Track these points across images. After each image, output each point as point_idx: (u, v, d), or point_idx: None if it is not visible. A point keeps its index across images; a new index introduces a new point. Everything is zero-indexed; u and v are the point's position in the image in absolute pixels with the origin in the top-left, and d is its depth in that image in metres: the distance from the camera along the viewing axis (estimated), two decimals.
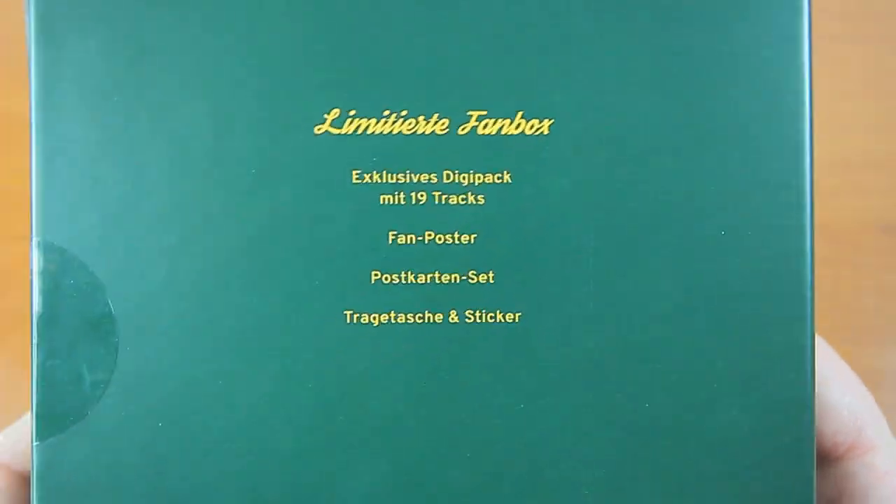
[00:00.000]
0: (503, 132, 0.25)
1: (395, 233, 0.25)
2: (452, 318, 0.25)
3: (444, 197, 0.25)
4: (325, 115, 0.24)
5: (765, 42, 0.25)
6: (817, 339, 0.27)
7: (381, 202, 0.25)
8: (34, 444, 0.24)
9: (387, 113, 0.25)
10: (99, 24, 0.24)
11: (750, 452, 0.25)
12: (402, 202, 0.25)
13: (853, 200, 0.51)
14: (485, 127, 0.25)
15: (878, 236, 0.51)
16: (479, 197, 0.25)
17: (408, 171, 0.25)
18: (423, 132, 0.25)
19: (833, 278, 0.50)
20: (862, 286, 0.50)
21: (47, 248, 0.24)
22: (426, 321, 0.25)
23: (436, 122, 0.25)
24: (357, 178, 0.25)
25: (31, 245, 0.24)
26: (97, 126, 0.24)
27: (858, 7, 0.53)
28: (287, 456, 0.25)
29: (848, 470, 0.28)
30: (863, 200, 0.51)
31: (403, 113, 0.25)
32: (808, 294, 0.25)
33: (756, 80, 0.25)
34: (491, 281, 0.25)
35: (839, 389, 0.28)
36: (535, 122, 0.25)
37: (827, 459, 0.28)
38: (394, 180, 0.25)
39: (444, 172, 0.25)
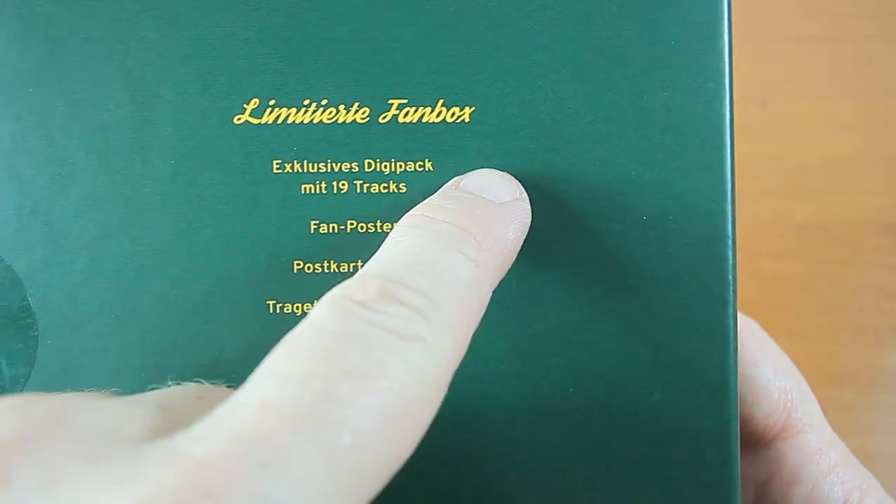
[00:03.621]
0: (424, 120, 0.23)
1: (317, 222, 0.24)
2: None
3: (365, 185, 0.24)
4: (245, 105, 0.23)
5: (686, 29, 0.23)
6: (750, 322, 0.26)
7: (303, 191, 0.24)
8: None
9: (307, 102, 0.23)
10: (11, 14, 0.23)
11: (674, 435, 0.24)
12: (324, 191, 0.24)
13: (853, 200, 0.48)
14: (405, 115, 0.24)
15: (878, 236, 0.48)
16: (400, 185, 0.24)
17: (329, 161, 0.24)
18: (344, 121, 0.23)
19: (833, 278, 0.48)
20: (862, 286, 0.48)
21: None
22: None
23: (356, 111, 0.23)
24: (278, 168, 0.23)
25: None
26: (12, 118, 0.23)
27: (858, 7, 0.50)
28: None
29: (779, 451, 0.26)
30: (863, 200, 0.48)
31: (324, 102, 0.23)
32: (730, 277, 0.23)
33: (677, 66, 0.23)
34: None
35: (771, 371, 0.26)
36: (456, 109, 0.23)
37: (759, 442, 0.27)
38: (315, 170, 0.24)
39: (366, 161, 0.24)
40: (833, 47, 0.50)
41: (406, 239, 0.19)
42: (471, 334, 0.19)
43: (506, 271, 0.21)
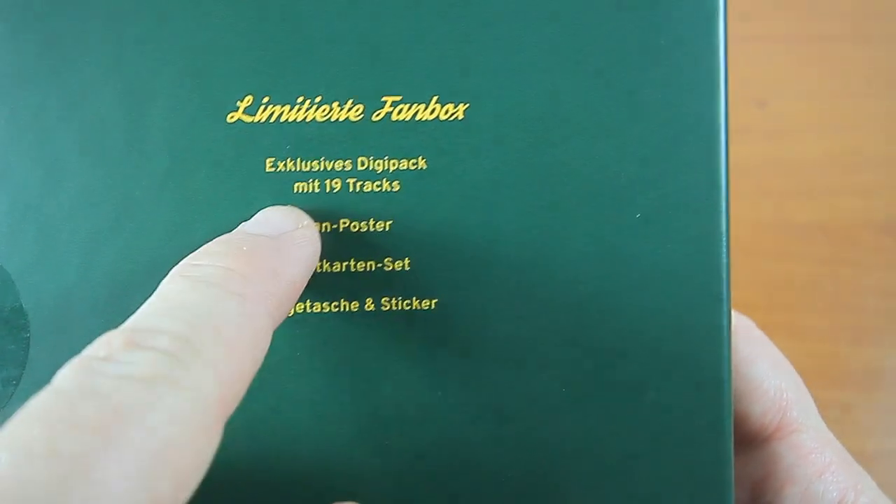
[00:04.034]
0: (418, 118, 0.23)
1: None
2: (368, 306, 0.23)
3: (358, 184, 0.23)
4: (238, 103, 0.23)
5: (681, 26, 0.23)
6: (745, 320, 0.25)
7: (296, 190, 0.23)
8: None
9: (300, 100, 0.23)
10: (4, 12, 0.23)
11: (668, 433, 0.23)
12: (317, 190, 0.23)
13: (853, 200, 0.48)
14: (399, 112, 0.23)
15: (878, 236, 0.48)
16: (394, 183, 0.23)
17: (322, 159, 0.23)
18: (338, 119, 0.23)
19: (833, 278, 0.48)
20: (862, 286, 0.48)
21: None
22: (342, 309, 0.23)
23: (350, 109, 0.23)
24: (271, 167, 0.23)
25: None
26: (5, 115, 0.23)
27: (858, 7, 0.50)
28: None
29: (774, 450, 0.26)
30: (863, 200, 0.48)
31: (318, 99, 0.23)
32: (724, 275, 0.23)
33: (672, 63, 0.23)
34: (407, 268, 0.23)
35: (766, 370, 0.26)
36: (450, 106, 0.23)
37: (755, 440, 0.26)
38: (308, 168, 0.23)
39: (359, 159, 0.23)
40: (833, 47, 0.50)
41: (168, 288, 0.19)
42: (249, 370, 0.18)
43: (292, 301, 0.21)
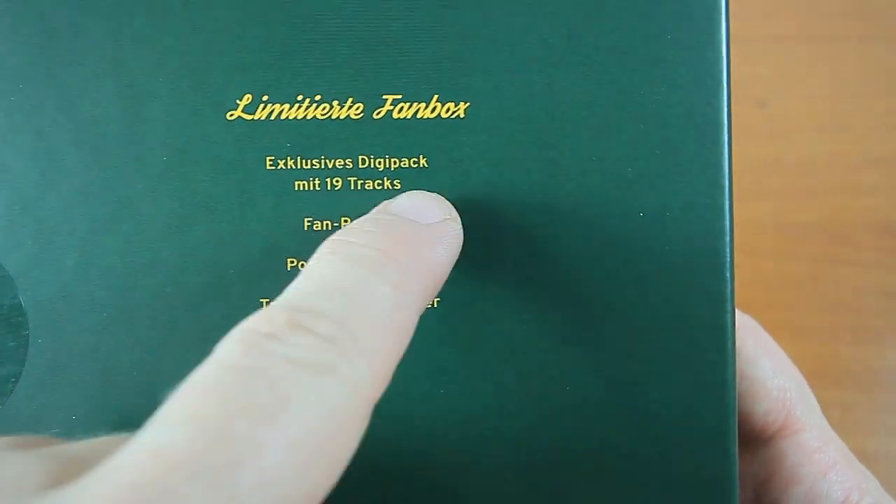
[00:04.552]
0: (419, 116, 0.23)
1: (310, 219, 0.23)
2: None
3: (359, 182, 0.23)
4: (238, 101, 0.23)
5: (683, 23, 0.23)
6: (748, 319, 0.25)
7: (296, 188, 0.23)
8: None
9: (300, 98, 0.23)
10: (3, 8, 0.23)
11: (672, 433, 0.23)
12: (318, 188, 0.23)
13: (853, 200, 0.48)
14: (400, 111, 0.23)
15: (878, 236, 0.48)
16: (395, 182, 0.23)
17: (322, 157, 0.23)
18: (338, 117, 0.23)
19: (833, 278, 0.48)
20: (862, 286, 0.47)
21: None
22: None
23: (350, 107, 0.23)
24: (271, 165, 0.23)
25: None
26: (2, 113, 0.23)
27: (859, 7, 0.50)
28: None
29: (778, 449, 0.26)
30: (863, 200, 0.48)
31: (317, 98, 0.23)
32: (728, 274, 0.23)
33: (675, 61, 0.23)
34: None
35: (769, 370, 0.26)
36: (451, 105, 0.23)
37: (759, 440, 0.26)
38: (308, 166, 0.23)
39: (360, 157, 0.23)
40: (833, 47, 0.49)
41: (322, 265, 0.19)
42: (395, 359, 0.18)
43: (434, 293, 0.20)
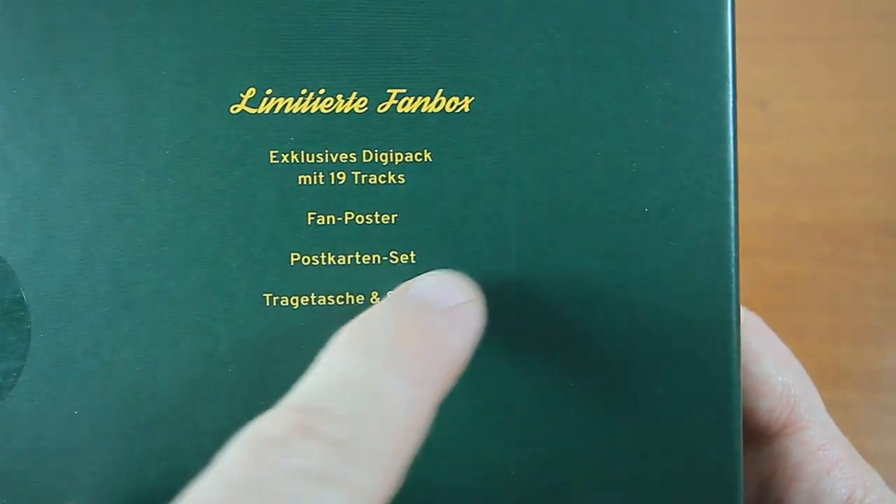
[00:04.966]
0: (423, 110, 0.23)
1: (314, 213, 0.23)
2: (374, 300, 0.23)
3: (363, 176, 0.23)
4: (242, 95, 0.23)
5: (689, 18, 0.23)
6: (752, 316, 0.25)
7: (300, 182, 0.23)
8: None
9: (304, 92, 0.23)
10: (6, 1, 0.23)
11: (676, 429, 0.23)
12: (321, 182, 0.23)
13: (853, 200, 0.48)
14: (404, 105, 0.23)
15: (879, 236, 0.48)
16: (399, 176, 0.23)
17: (326, 151, 0.23)
18: (342, 111, 0.23)
19: (833, 278, 0.48)
20: (862, 286, 0.47)
21: None
22: (347, 303, 0.23)
23: (354, 101, 0.23)
24: (275, 158, 0.23)
25: None
26: (5, 107, 0.23)
27: (859, 7, 0.50)
28: (209, 440, 0.23)
29: (782, 446, 0.26)
30: (863, 200, 0.48)
31: (321, 91, 0.23)
32: (733, 270, 0.23)
33: (680, 55, 0.23)
34: (412, 261, 0.23)
35: (773, 366, 0.26)
36: (455, 99, 0.23)
37: (762, 437, 0.26)
38: (312, 160, 0.23)
39: (364, 151, 0.23)
40: (833, 47, 0.49)
41: (336, 360, 0.18)
42: (409, 457, 0.18)
43: (454, 382, 0.20)
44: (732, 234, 0.23)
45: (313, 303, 0.23)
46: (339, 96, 0.23)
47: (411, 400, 0.18)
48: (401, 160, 0.23)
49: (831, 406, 0.28)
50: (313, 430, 0.16)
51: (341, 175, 0.23)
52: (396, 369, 0.18)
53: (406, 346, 0.18)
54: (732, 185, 0.23)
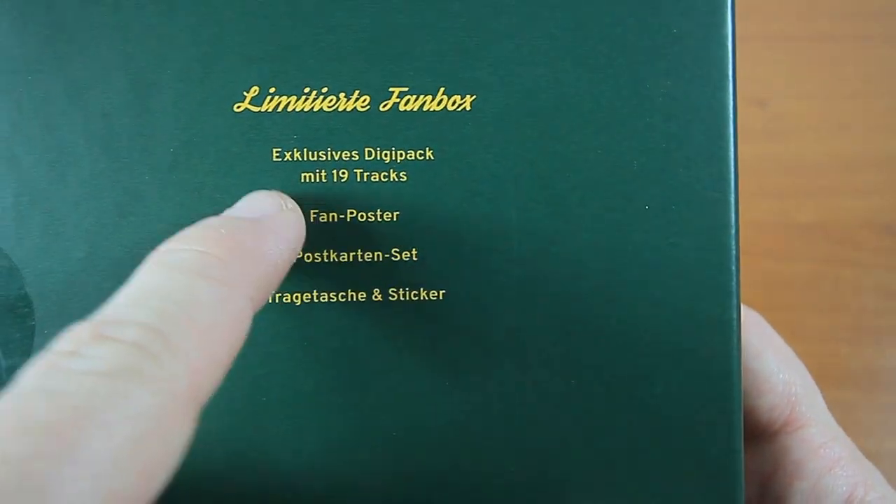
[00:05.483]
0: (425, 108, 0.23)
1: (316, 211, 0.23)
2: (376, 297, 0.23)
3: (365, 174, 0.23)
4: (245, 93, 0.23)
5: (689, 16, 0.23)
6: (753, 314, 0.25)
7: (303, 180, 0.23)
8: None
9: (307, 90, 0.23)
10: (11, 1, 0.23)
11: (677, 427, 0.23)
12: (324, 180, 0.23)
13: (853, 200, 0.48)
14: (406, 103, 0.23)
15: (879, 236, 0.48)
16: (401, 174, 0.23)
17: (329, 149, 0.23)
18: (345, 109, 0.23)
19: (833, 278, 0.48)
20: (862, 286, 0.48)
21: None
22: (349, 300, 0.23)
23: (357, 99, 0.23)
24: (277, 156, 0.23)
25: None
26: (11, 104, 0.23)
27: (859, 7, 0.50)
28: (213, 436, 0.23)
29: (783, 444, 0.26)
30: (863, 200, 0.48)
31: (324, 90, 0.23)
32: (734, 268, 0.23)
33: (680, 54, 0.23)
34: (414, 259, 0.23)
35: (774, 364, 0.26)
36: (457, 97, 0.23)
37: (763, 435, 0.26)
38: (315, 158, 0.23)
39: (366, 150, 0.23)
40: (833, 47, 0.50)
41: (140, 276, 0.18)
42: (224, 356, 0.18)
43: (272, 285, 0.20)
44: (733, 232, 0.23)
45: (315, 300, 0.23)
46: (342, 94, 0.23)
47: (218, 301, 0.18)
48: (403, 158, 0.23)
49: (831, 406, 0.28)
50: (108, 336, 0.16)
51: (343, 173, 0.23)
52: (198, 274, 0.18)
53: (211, 252, 0.19)
54: (733, 182, 0.23)
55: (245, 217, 0.21)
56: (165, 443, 0.16)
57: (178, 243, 0.19)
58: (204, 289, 0.18)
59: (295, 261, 0.21)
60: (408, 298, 0.23)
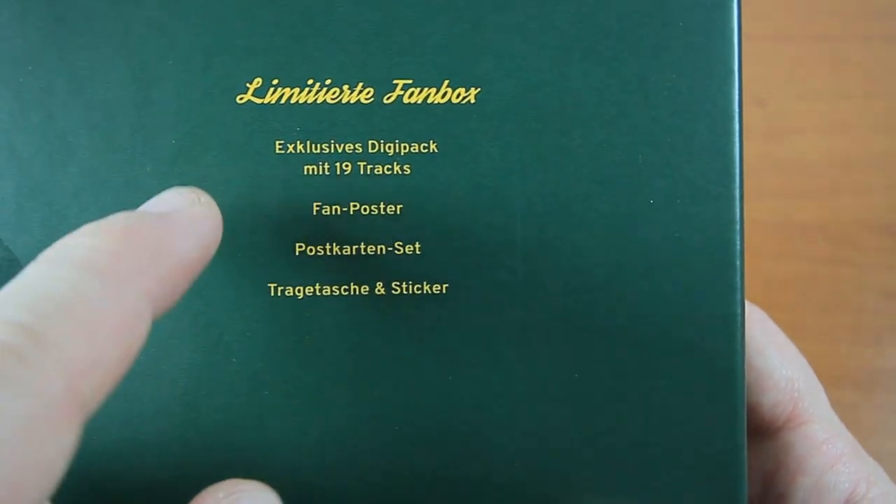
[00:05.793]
0: (429, 101, 0.23)
1: (319, 204, 0.23)
2: (379, 290, 0.23)
3: (369, 167, 0.23)
4: (248, 85, 0.23)
5: (695, 10, 0.23)
6: (757, 310, 0.25)
7: (306, 173, 0.23)
8: None
9: (310, 82, 0.23)
10: None
11: (680, 422, 0.23)
12: (327, 173, 0.23)
13: (853, 200, 0.48)
14: (410, 96, 0.23)
15: (879, 236, 0.48)
16: (405, 167, 0.23)
17: (332, 141, 0.23)
18: (348, 101, 0.23)
19: (833, 278, 0.48)
20: (862, 286, 0.48)
21: None
22: (352, 293, 0.23)
23: (360, 92, 0.23)
24: (280, 149, 0.23)
25: None
26: (12, 95, 0.23)
27: (858, 7, 0.50)
28: (214, 431, 0.23)
29: (786, 441, 0.26)
30: (863, 200, 0.48)
31: (328, 82, 0.23)
32: (738, 263, 0.23)
33: (686, 48, 0.23)
34: (417, 252, 0.23)
35: (777, 361, 0.26)
36: (461, 90, 0.23)
37: (766, 431, 0.26)
38: (318, 150, 0.23)
39: (370, 142, 0.23)
40: (833, 47, 0.50)
41: (25, 272, 0.17)
42: (114, 354, 0.16)
43: (179, 279, 0.19)
44: (737, 227, 0.23)
45: (318, 293, 0.23)
46: (346, 87, 0.23)
47: (105, 295, 0.17)
48: (406, 151, 0.23)
49: (831, 406, 0.28)
50: None
51: (347, 166, 0.23)
52: (84, 269, 0.17)
53: (103, 247, 0.18)
54: (738, 177, 0.23)
55: (151, 211, 0.20)
56: (37, 451, 0.14)
57: (71, 237, 0.18)
58: (89, 282, 0.17)
59: (212, 258, 0.20)
60: (411, 292, 0.23)
